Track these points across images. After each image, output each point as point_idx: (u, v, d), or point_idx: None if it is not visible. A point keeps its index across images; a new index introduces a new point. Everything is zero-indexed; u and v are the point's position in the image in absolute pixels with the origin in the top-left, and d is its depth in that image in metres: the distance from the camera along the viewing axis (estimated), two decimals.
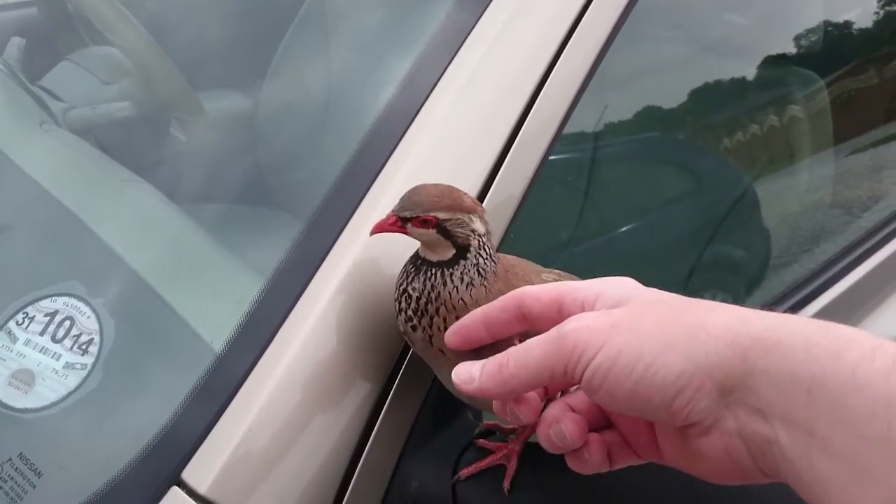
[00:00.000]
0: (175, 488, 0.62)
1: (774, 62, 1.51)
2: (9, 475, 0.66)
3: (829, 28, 1.62)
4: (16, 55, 1.36)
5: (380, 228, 0.62)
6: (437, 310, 0.61)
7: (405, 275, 0.63)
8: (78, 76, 1.35)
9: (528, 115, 0.79)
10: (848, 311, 1.41)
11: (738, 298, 1.47)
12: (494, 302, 0.54)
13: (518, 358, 0.47)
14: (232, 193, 1.25)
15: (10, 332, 0.72)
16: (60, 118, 1.24)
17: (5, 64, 1.26)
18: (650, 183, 1.35)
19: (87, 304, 0.72)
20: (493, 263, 0.62)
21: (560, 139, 0.96)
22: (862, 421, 0.36)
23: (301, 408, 0.65)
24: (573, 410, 0.50)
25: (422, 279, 0.62)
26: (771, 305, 1.31)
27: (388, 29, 1.25)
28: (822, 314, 1.32)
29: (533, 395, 0.51)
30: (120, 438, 0.67)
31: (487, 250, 0.62)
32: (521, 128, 0.78)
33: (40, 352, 0.70)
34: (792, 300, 1.34)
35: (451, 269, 0.61)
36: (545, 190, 1.02)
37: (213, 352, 0.66)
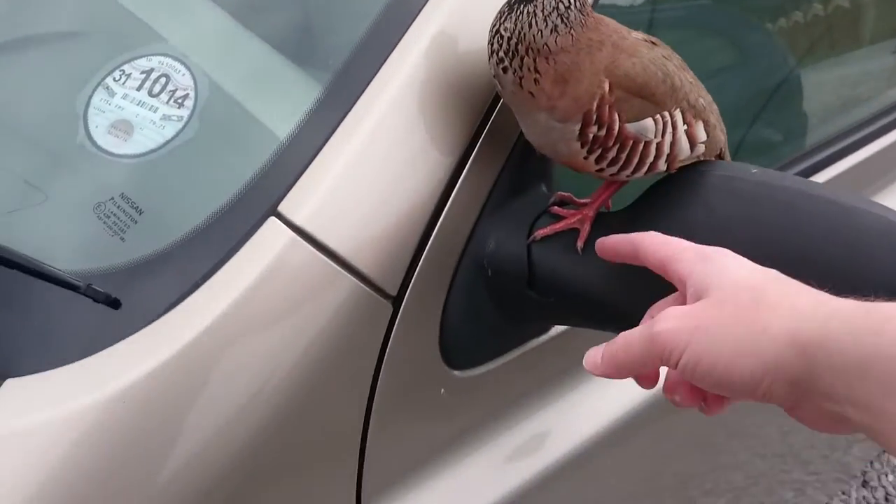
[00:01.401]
0: (272, 219, 0.65)
1: None
2: (111, 212, 0.69)
3: None
4: None
5: None
6: (527, 50, 0.63)
7: (499, 15, 0.65)
8: None
9: None
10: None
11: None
12: (619, 236, 0.62)
13: (625, 351, 0.54)
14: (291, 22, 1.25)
15: (107, 87, 0.75)
16: None
17: None
18: (698, 51, 1.35)
19: (182, 62, 0.75)
20: (579, 14, 0.64)
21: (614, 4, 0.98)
22: None
23: (389, 154, 0.68)
24: None
25: (513, 18, 0.64)
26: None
27: None
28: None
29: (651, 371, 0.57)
30: (217, 180, 0.70)
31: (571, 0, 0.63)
32: None
33: (138, 105, 0.73)
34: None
35: (532, 7, 0.63)
36: None
37: (309, 98, 0.69)
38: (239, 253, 0.65)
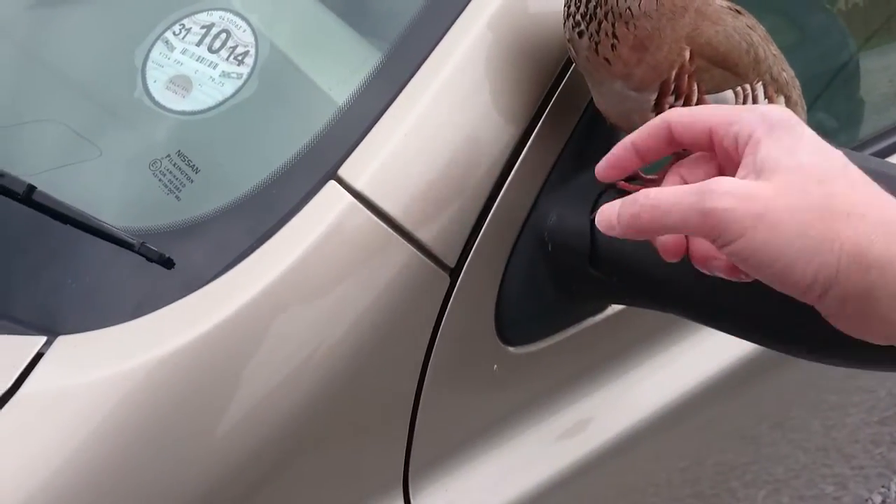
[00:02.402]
0: (332, 182, 0.63)
1: None
2: (167, 169, 0.68)
3: None
4: None
5: None
6: (606, 14, 0.61)
7: None
8: None
9: None
10: None
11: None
12: (641, 129, 0.53)
13: (654, 214, 0.47)
14: None
15: (167, 42, 0.73)
16: None
17: None
18: None
19: (243, 18, 0.73)
20: None
21: None
22: None
23: (452, 121, 0.66)
24: None
25: None
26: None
27: None
28: None
29: (674, 238, 0.51)
30: (277, 141, 0.69)
31: None
32: None
33: (197, 60, 0.71)
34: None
35: None
36: None
37: (371, 62, 0.67)
38: (297, 216, 0.63)
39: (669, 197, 0.46)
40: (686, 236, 0.51)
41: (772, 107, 0.49)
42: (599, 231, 0.69)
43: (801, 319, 0.62)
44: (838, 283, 0.44)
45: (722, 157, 0.50)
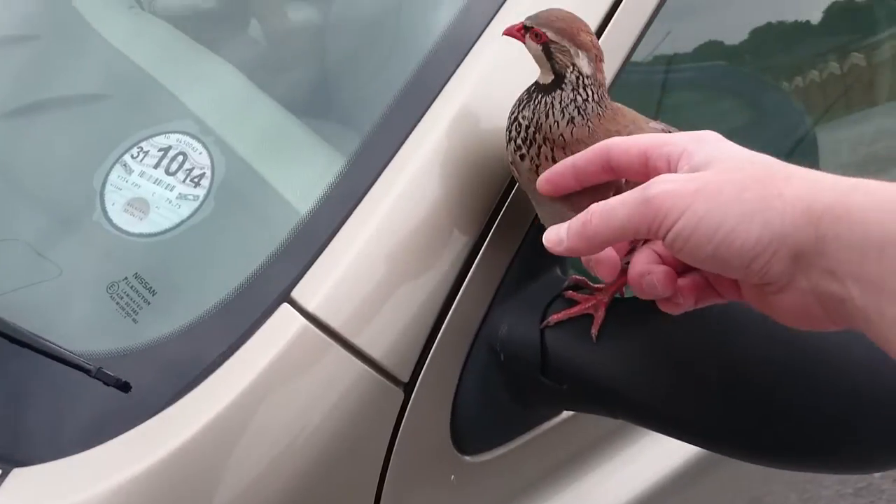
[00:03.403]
0: (285, 305, 0.65)
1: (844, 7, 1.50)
2: (125, 292, 0.69)
3: None
4: None
5: (508, 31, 0.66)
6: (544, 140, 0.64)
7: (518, 103, 0.66)
8: None
9: (604, 30, 0.80)
10: None
11: None
12: (583, 152, 0.56)
13: (602, 216, 0.49)
14: (303, 103, 1.27)
15: (125, 165, 0.75)
16: (146, 4, 1.27)
17: None
18: (714, 112, 1.35)
19: (200, 140, 0.75)
20: (597, 106, 0.64)
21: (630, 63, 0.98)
22: None
23: (403, 245, 0.68)
24: (659, 256, 0.53)
25: (532, 107, 0.64)
26: None
27: None
28: None
29: (611, 256, 0.54)
30: (231, 262, 0.70)
31: (590, 92, 0.64)
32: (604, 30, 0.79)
33: (154, 183, 0.73)
34: None
35: (550, 98, 0.64)
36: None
37: (321, 187, 0.69)
38: (251, 339, 0.64)
39: (613, 200, 0.49)
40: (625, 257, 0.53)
41: (696, 131, 0.52)
42: (549, 341, 0.71)
43: (744, 425, 0.64)
44: (786, 239, 0.43)
45: None
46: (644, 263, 0.51)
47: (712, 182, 0.46)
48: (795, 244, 0.43)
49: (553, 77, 0.65)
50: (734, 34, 1.32)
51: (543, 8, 0.66)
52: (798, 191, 0.44)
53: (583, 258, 0.55)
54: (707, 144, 0.50)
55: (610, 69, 0.78)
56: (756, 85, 1.46)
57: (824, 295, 0.44)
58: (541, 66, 0.66)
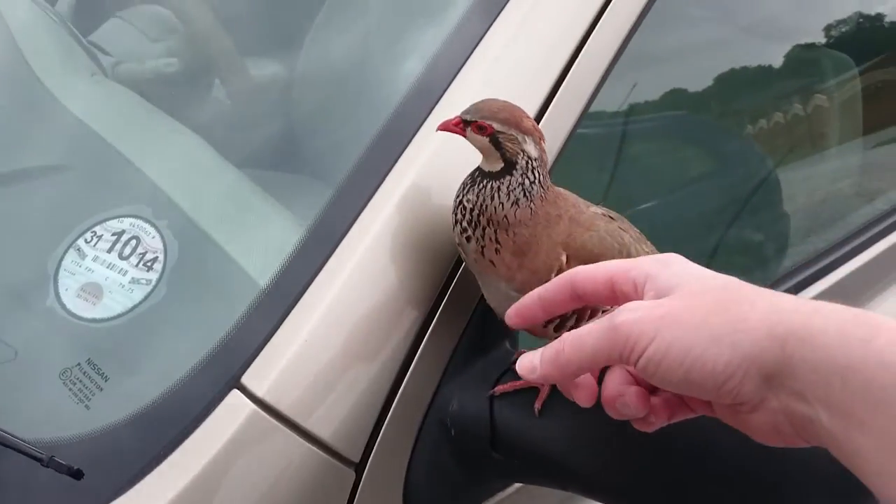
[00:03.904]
0: (235, 391, 0.66)
1: (808, 48, 1.54)
2: (77, 378, 0.70)
3: (861, 20, 1.64)
4: (66, 11, 1.41)
5: (444, 126, 0.68)
6: (489, 222, 0.66)
7: (463, 187, 0.68)
8: (126, 33, 1.39)
9: (558, 89, 0.82)
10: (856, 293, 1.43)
11: (753, 281, 1.48)
12: (548, 283, 0.57)
13: (573, 345, 0.50)
14: (273, 157, 1.28)
15: (79, 249, 0.76)
16: (109, 71, 1.28)
17: (58, 16, 1.30)
18: (675, 161, 1.37)
19: (153, 224, 0.76)
20: (541, 188, 0.66)
21: (589, 115, 1.00)
22: (893, 400, 0.40)
23: (352, 326, 0.69)
24: (632, 376, 0.53)
25: (476, 191, 0.66)
26: (776, 283, 1.34)
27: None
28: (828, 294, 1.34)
29: (589, 382, 0.54)
30: (183, 347, 0.71)
31: (537, 174, 0.66)
32: (551, 101, 0.81)
33: (108, 267, 0.75)
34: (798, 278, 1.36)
35: (498, 183, 0.66)
36: (573, 163, 1.06)
37: (270, 270, 0.71)
38: (202, 426, 0.65)
39: (584, 328, 0.50)
40: (599, 380, 0.53)
41: (659, 254, 0.53)
42: (498, 415, 0.72)
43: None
44: (756, 360, 0.44)
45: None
46: (616, 384, 0.52)
47: (678, 307, 0.47)
48: (765, 365, 0.45)
49: (503, 164, 0.67)
50: (698, 81, 1.35)
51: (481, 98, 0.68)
52: (763, 314, 0.45)
53: (560, 386, 0.56)
54: (671, 267, 0.51)
55: (555, 143, 0.80)
56: (716, 133, 1.48)
57: (794, 415, 0.45)
58: (487, 156, 0.68)
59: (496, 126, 0.66)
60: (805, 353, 0.43)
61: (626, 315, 0.48)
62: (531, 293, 0.57)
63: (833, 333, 0.43)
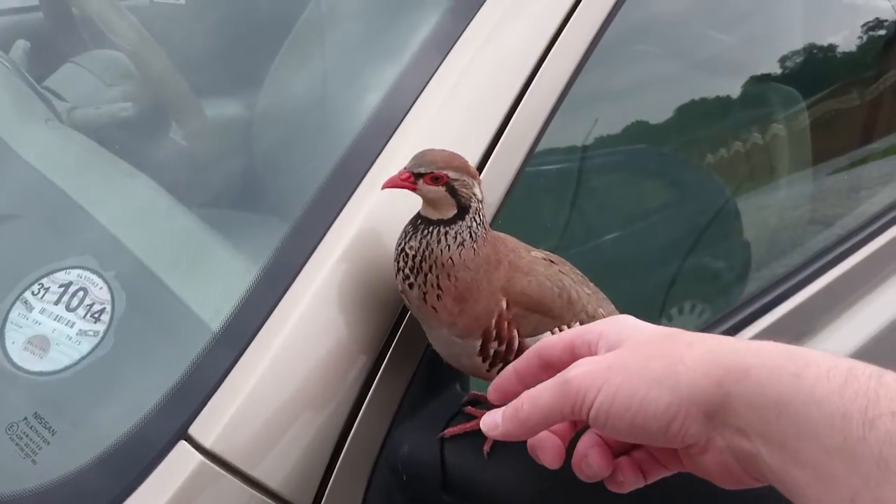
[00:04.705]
0: (182, 442, 0.66)
1: (759, 81, 1.57)
2: (24, 433, 0.70)
3: (814, 50, 1.67)
4: (21, 57, 1.41)
5: (392, 183, 0.67)
6: (431, 267, 0.66)
7: (404, 234, 0.68)
8: (81, 78, 1.40)
9: (508, 123, 0.84)
10: (808, 320, 1.45)
11: (716, 308, 1.51)
12: (521, 357, 0.59)
13: (530, 402, 0.53)
14: (227, 198, 1.29)
15: (26, 302, 0.76)
16: (64, 117, 1.28)
17: (11, 63, 1.30)
18: (635, 193, 1.39)
19: (100, 275, 0.76)
20: (483, 230, 0.67)
21: (550, 151, 1.01)
22: (823, 432, 0.42)
23: (301, 372, 0.69)
24: (601, 438, 0.55)
25: (418, 238, 0.67)
26: (738, 308, 1.35)
27: (381, 40, 1.30)
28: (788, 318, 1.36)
29: (554, 443, 0.56)
30: (130, 399, 0.71)
31: (481, 217, 0.67)
32: (501, 136, 0.83)
33: (55, 320, 0.74)
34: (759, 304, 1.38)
35: (447, 228, 0.66)
36: (533, 197, 1.07)
37: (219, 318, 0.71)
38: (149, 479, 0.65)
39: (536, 388, 0.52)
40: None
41: (610, 317, 0.56)
42: (449, 458, 0.73)
43: None
44: (694, 399, 0.46)
45: None
46: (584, 446, 0.54)
47: (623, 357, 0.50)
48: (704, 403, 0.46)
49: (456, 211, 0.67)
50: (659, 113, 1.37)
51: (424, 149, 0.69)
52: (698, 354, 0.47)
53: (528, 448, 0.57)
54: (620, 324, 0.54)
55: (504, 180, 0.81)
56: (674, 164, 1.50)
57: (738, 452, 0.46)
58: (438, 205, 0.67)
59: (451, 174, 0.66)
60: (740, 389, 0.45)
61: (576, 370, 0.51)
62: (507, 369, 0.60)
63: (766, 370, 0.44)
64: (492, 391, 0.60)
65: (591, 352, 0.54)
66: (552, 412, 0.52)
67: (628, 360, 0.49)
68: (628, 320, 0.55)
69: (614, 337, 0.53)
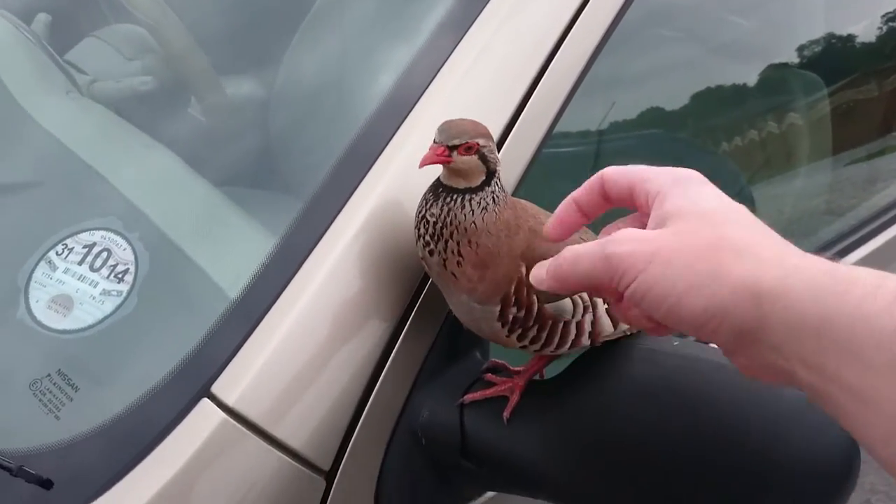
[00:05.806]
0: (205, 400, 0.66)
1: (777, 68, 1.56)
2: (48, 389, 0.70)
3: (833, 40, 1.66)
4: (42, 30, 1.41)
5: (429, 160, 0.65)
6: (452, 234, 0.66)
7: (424, 202, 0.68)
8: (102, 51, 1.40)
9: (525, 105, 0.83)
10: None
11: None
12: (583, 187, 0.58)
13: (570, 263, 0.53)
14: (246, 174, 1.29)
15: (49, 262, 0.76)
16: (85, 89, 1.29)
17: (34, 35, 1.31)
18: None
19: (124, 237, 0.77)
20: (504, 193, 0.67)
21: (566, 134, 1.01)
22: (869, 351, 0.41)
23: (323, 335, 0.70)
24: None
25: (440, 205, 0.66)
26: None
27: (399, 20, 1.30)
28: None
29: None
30: (153, 358, 0.71)
31: (501, 181, 0.67)
32: (518, 118, 0.82)
33: (78, 279, 0.75)
34: None
35: (471, 195, 0.66)
36: (548, 180, 1.07)
37: (243, 280, 0.71)
38: (171, 435, 0.65)
39: (581, 248, 0.52)
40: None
41: (680, 169, 0.53)
42: (468, 424, 0.73)
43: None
44: (729, 316, 0.45)
45: (643, 213, 0.54)
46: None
47: (668, 247, 0.48)
48: (738, 322, 0.46)
49: (485, 177, 0.67)
50: (675, 99, 1.37)
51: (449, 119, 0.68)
52: (744, 269, 0.46)
53: None
54: (682, 189, 0.51)
55: (522, 160, 0.81)
56: (690, 149, 1.50)
57: (773, 366, 0.46)
58: (470, 174, 0.66)
59: (481, 142, 0.66)
60: (779, 311, 0.44)
61: (618, 246, 0.50)
62: (566, 200, 0.59)
63: (808, 291, 0.44)
64: (552, 227, 0.59)
65: (645, 205, 0.53)
66: (590, 279, 0.51)
67: (673, 253, 0.48)
68: (694, 184, 0.52)
69: (669, 206, 0.50)
